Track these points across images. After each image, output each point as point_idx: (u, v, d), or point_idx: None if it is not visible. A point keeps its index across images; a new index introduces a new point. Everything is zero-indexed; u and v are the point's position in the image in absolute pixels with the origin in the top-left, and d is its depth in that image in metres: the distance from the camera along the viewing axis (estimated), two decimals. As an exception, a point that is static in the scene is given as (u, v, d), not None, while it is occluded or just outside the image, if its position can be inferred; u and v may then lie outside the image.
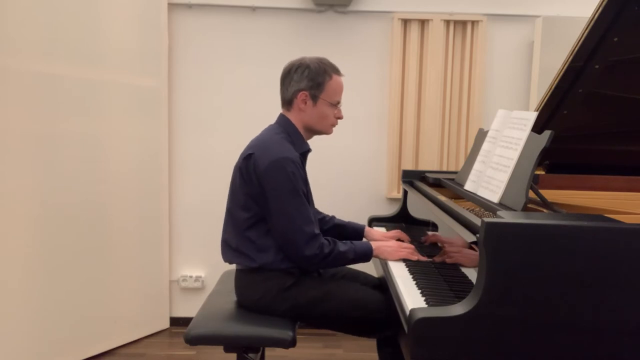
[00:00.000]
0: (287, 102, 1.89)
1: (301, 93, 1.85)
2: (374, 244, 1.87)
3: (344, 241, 1.84)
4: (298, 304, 1.79)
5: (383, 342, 2.03)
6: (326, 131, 1.93)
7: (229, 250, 1.88)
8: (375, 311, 1.81)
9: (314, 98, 1.85)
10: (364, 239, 2.19)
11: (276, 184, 1.74)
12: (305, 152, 1.91)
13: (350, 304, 1.81)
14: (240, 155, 1.86)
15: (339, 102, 1.90)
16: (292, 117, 1.89)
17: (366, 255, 1.85)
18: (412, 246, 1.89)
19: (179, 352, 2.89)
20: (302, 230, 1.74)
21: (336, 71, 1.89)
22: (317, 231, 1.77)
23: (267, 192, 1.75)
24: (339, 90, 1.89)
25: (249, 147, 1.85)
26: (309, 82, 1.84)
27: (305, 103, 1.86)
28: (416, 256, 1.83)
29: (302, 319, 1.85)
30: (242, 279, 1.87)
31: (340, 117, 1.92)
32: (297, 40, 3.06)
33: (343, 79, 1.91)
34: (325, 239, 1.80)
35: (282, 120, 1.91)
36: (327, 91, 1.86)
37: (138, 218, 2.93)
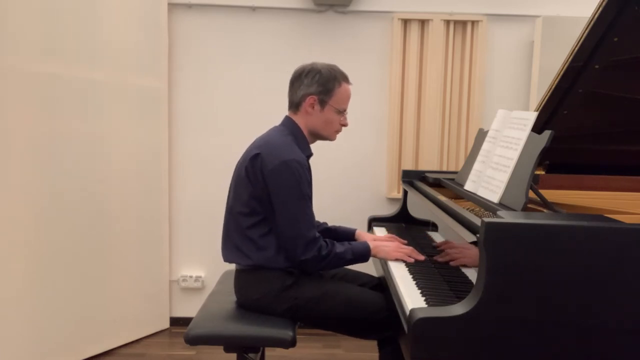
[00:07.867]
0: (294, 105, 1.90)
1: (310, 97, 1.86)
2: (371, 244, 1.88)
3: (342, 242, 1.86)
4: (298, 304, 1.80)
5: (383, 342, 2.03)
6: (330, 137, 1.95)
7: (229, 248, 1.88)
8: (375, 312, 1.81)
9: (322, 103, 1.87)
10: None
11: (283, 186, 1.75)
12: (307, 156, 1.91)
13: (350, 304, 1.81)
14: (246, 154, 1.86)
15: (345, 110, 1.92)
16: (298, 120, 1.90)
17: (364, 255, 1.86)
18: (411, 248, 1.89)
19: (179, 352, 2.89)
20: (302, 234, 1.75)
21: (346, 79, 1.91)
22: (317, 234, 1.78)
23: (273, 193, 1.76)
24: (347, 98, 1.91)
25: (255, 146, 1.85)
26: (318, 87, 1.85)
27: (313, 107, 1.87)
28: (413, 259, 1.83)
29: (302, 319, 1.85)
30: (242, 279, 1.87)
31: (345, 125, 1.94)
32: (297, 40, 3.06)
33: None
34: (324, 240, 1.81)
35: (289, 122, 1.92)
36: (336, 98, 1.87)
37: (138, 218, 2.93)
